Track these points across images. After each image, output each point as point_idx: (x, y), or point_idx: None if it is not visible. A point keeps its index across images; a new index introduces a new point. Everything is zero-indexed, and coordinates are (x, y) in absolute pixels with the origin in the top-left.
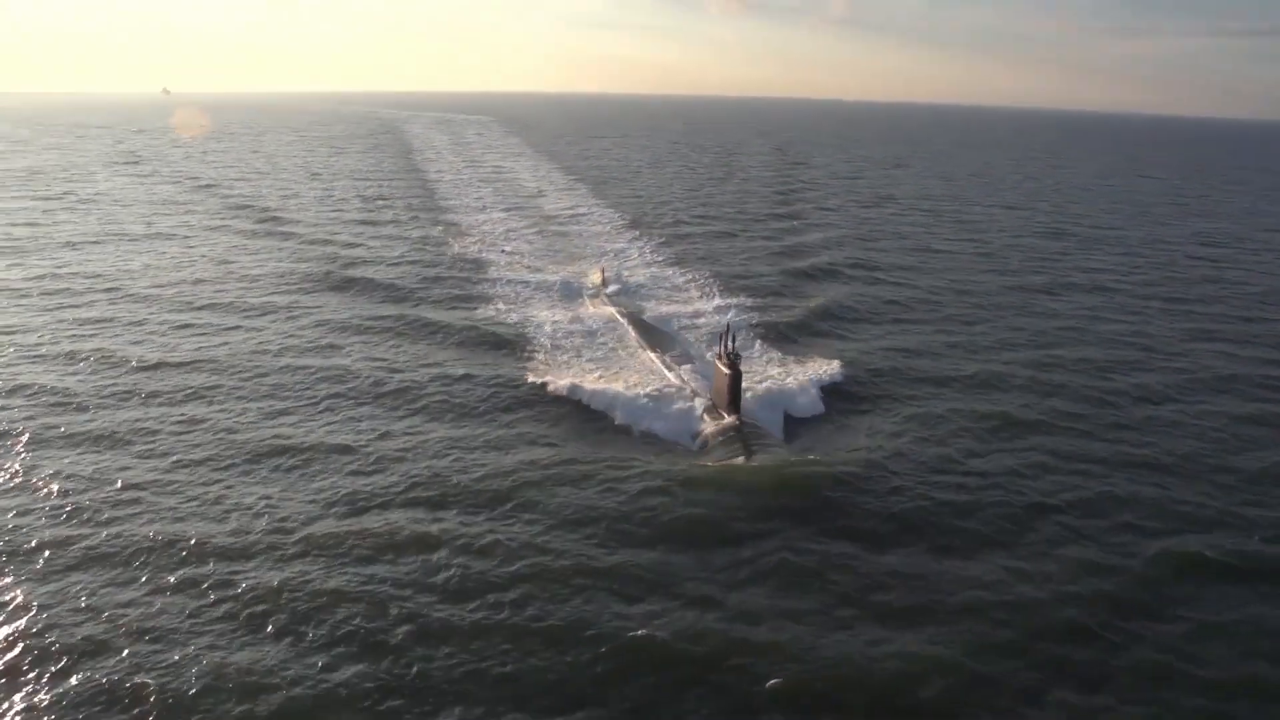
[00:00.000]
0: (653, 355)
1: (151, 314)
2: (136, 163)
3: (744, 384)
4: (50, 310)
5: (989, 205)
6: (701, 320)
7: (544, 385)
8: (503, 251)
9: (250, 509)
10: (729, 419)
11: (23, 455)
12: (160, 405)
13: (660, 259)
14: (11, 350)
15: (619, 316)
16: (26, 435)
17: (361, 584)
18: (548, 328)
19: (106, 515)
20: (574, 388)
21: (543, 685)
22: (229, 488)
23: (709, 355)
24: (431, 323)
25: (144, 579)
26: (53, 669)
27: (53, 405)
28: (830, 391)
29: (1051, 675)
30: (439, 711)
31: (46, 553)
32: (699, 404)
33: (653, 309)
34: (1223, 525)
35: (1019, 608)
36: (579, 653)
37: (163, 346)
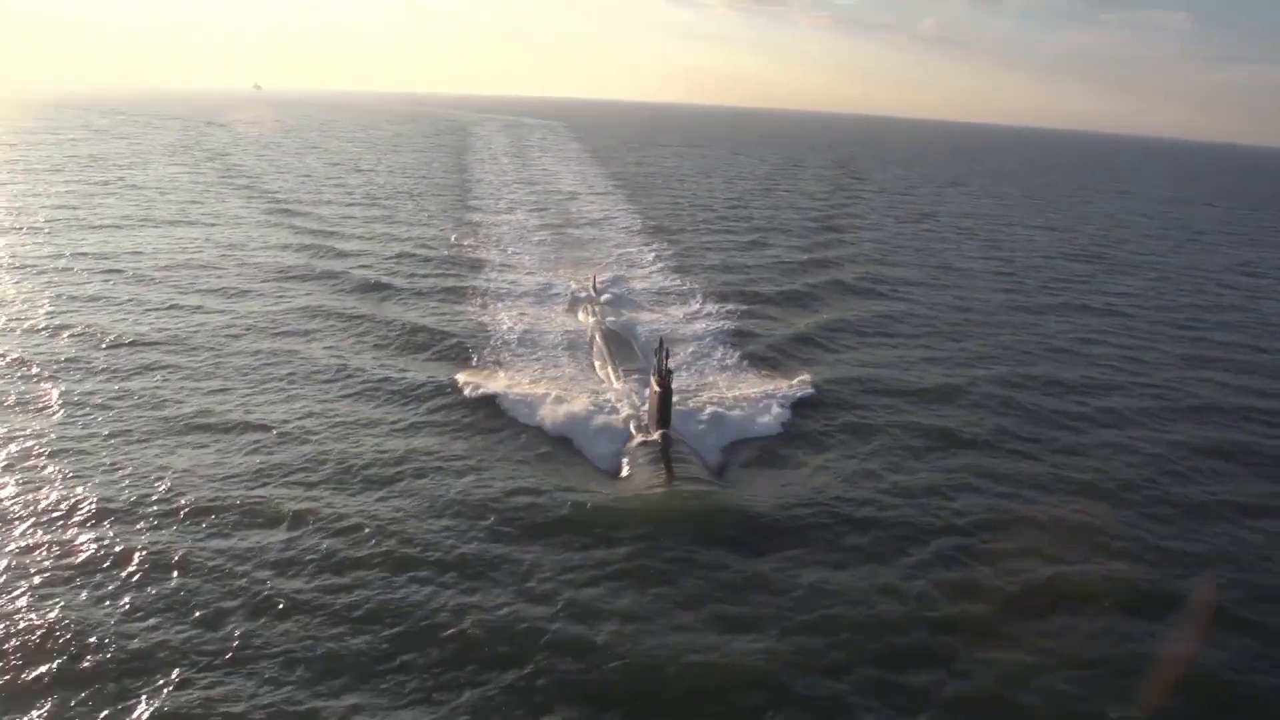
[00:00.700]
0: (610, 368)
1: (139, 293)
2: (189, 153)
3: (702, 402)
4: (46, 285)
5: (1031, 226)
6: (686, 333)
7: (478, 387)
8: (507, 253)
9: (144, 478)
10: (653, 437)
11: None
12: (105, 379)
13: (667, 267)
14: None
15: (594, 325)
16: None
17: (212, 555)
18: (516, 332)
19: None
20: (504, 393)
21: (356, 666)
22: (132, 457)
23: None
24: (399, 320)
25: (15, 536)
26: None
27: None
28: (789, 409)
29: (862, 698)
30: (249, 683)
31: None
32: (631, 422)
33: (637, 319)
34: (1134, 557)
35: (866, 627)
36: (404, 637)
37: (137, 324)
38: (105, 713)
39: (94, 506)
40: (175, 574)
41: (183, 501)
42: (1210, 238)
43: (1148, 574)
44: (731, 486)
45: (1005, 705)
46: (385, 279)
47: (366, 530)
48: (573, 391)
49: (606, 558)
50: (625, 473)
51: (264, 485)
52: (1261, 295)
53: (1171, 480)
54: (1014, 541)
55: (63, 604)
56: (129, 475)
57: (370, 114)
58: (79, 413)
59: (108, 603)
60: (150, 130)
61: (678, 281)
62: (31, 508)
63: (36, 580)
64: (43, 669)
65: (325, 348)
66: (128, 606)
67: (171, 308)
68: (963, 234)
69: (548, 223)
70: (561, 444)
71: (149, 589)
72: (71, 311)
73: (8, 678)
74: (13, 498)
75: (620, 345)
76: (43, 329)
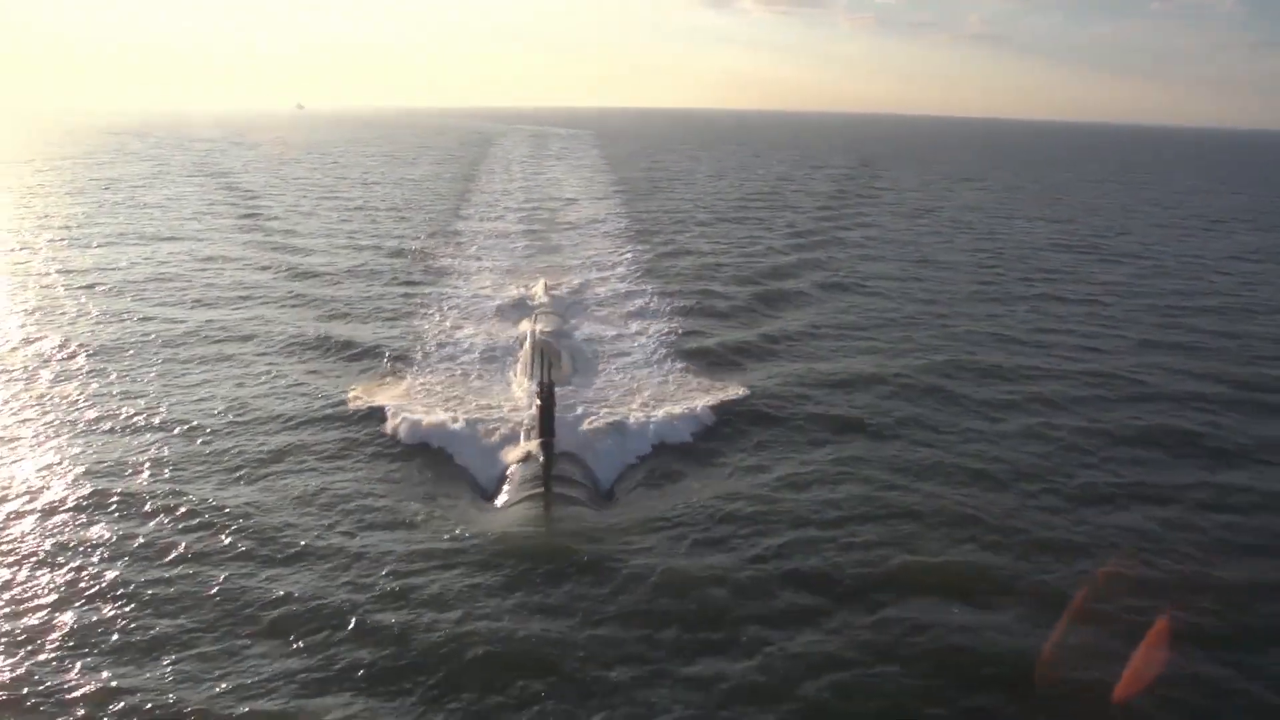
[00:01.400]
0: (527, 379)
1: (93, 302)
2: (202, 173)
3: (620, 412)
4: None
5: (1034, 219)
6: (629, 340)
7: (370, 399)
8: (470, 262)
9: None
10: (533, 451)
11: None
12: (25, 381)
13: (633, 273)
14: None
15: (529, 334)
16: None
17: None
18: (442, 342)
19: None
20: (392, 406)
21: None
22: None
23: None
24: (324, 331)
25: None
26: None
27: None
28: (712, 414)
29: (649, 690)
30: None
31: None
32: (523, 433)
33: (579, 327)
34: (999, 547)
35: (684, 618)
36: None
37: (85, 331)
38: None
39: None
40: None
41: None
42: (1226, 225)
43: (1006, 564)
44: (609, 503)
45: (791, 696)
46: (330, 291)
47: (209, 523)
48: (471, 404)
49: (446, 580)
50: (497, 488)
51: (136, 478)
52: (1257, 281)
53: (1077, 469)
54: (882, 532)
55: None
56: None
57: (403, 129)
58: None
59: None
60: (178, 151)
61: (638, 287)
62: None
63: None
64: None
65: (241, 356)
66: None
67: (119, 315)
68: (958, 228)
69: (530, 229)
70: (437, 457)
71: None
72: (28, 318)
73: None
74: None
75: (548, 355)
76: None
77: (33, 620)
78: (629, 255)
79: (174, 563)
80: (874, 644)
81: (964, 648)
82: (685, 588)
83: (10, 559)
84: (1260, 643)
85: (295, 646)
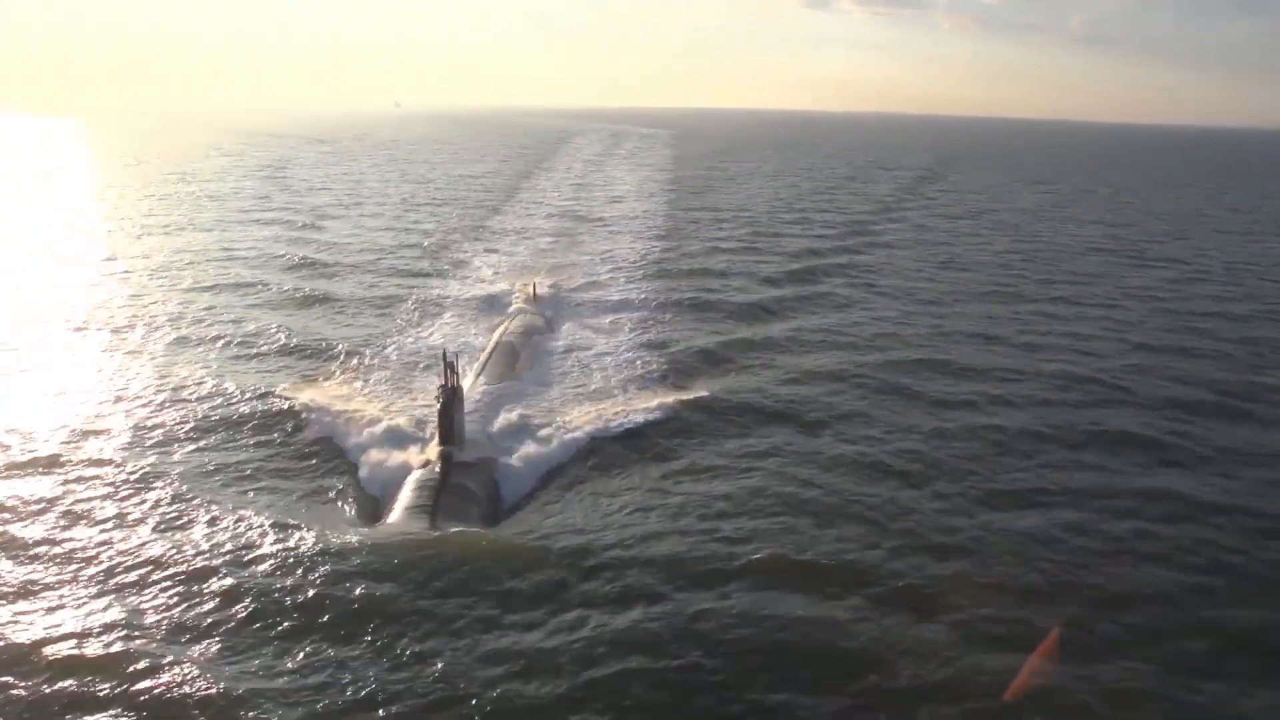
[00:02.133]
0: (473, 382)
1: (111, 284)
2: (268, 169)
3: (559, 421)
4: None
5: (1088, 222)
6: (604, 345)
7: (292, 399)
8: (474, 261)
9: None
10: (431, 459)
11: None
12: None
13: (645, 272)
14: None
15: (497, 336)
16: None
17: None
18: (398, 341)
19: None
20: (313, 405)
21: None
22: None
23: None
24: (294, 325)
25: None
26: None
27: None
28: (655, 421)
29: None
30: None
31: None
32: (424, 443)
33: (563, 329)
34: (865, 542)
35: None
36: None
37: (84, 305)
38: None
39: None
40: None
41: None
42: None
43: (874, 561)
44: (501, 519)
45: (564, 676)
46: (322, 287)
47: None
48: (403, 405)
49: (299, 599)
50: (389, 498)
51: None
52: None
53: (1001, 471)
54: (760, 525)
55: None
56: None
57: (488, 127)
58: None
59: None
60: (258, 149)
61: (641, 287)
62: None
63: None
64: None
65: (199, 346)
66: None
67: (133, 297)
68: (1000, 230)
69: (561, 227)
70: (339, 461)
71: None
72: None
73: None
74: None
75: (506, 359)
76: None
77: None
78: (649, 254)
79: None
80: (695, 632)
81: (788, 641)
82: (498, 631)
83: None
84: (1145, 650)
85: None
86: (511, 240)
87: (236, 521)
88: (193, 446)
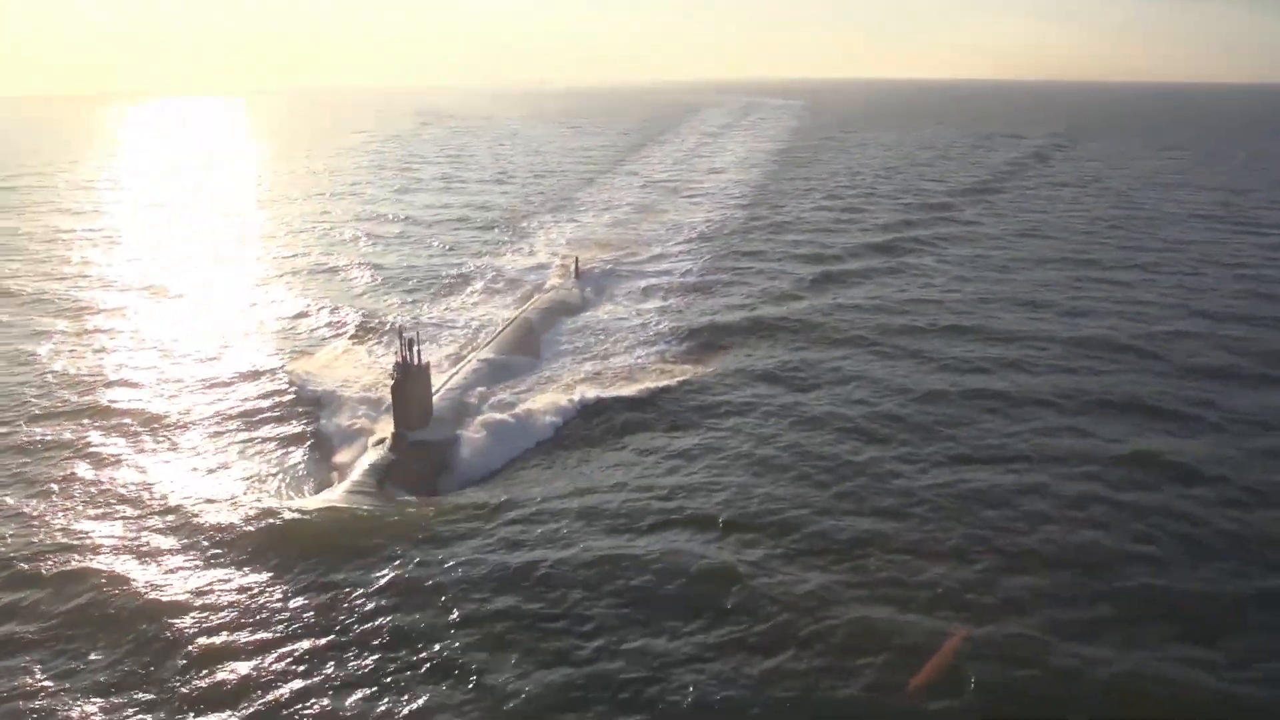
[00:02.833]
0: (477, 357)
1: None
2: (395, 142)
3: (545, 399)
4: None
5: (1204, 188)
6: (626, 324)
7: (299, 369)
8: (533, 236)
9: None
10: (383, 438)
11: None
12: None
13: (700, 247)
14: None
15: (523, 313)
16: None
17: None
18: (419, 316)
19: None
20: (305, 377)
21: None
22: None
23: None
24: (335, 301)
25: None
26: None
27: None
28: (638, 407)
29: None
30: None
31: None
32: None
33: (588, 307)
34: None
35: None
36: None
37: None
38: None
39: None
40: None
41: None
42: None
43: (798, 518)
44: (446, 502)
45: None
46: (375, 256)
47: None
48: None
49: (223, 575)
50: (343, 472)
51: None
52: None
53: (947, 434)
54: (706, 477)
55: None
56: None
57: (627, 102)
58: None
59: None
60: (397, 125)
61: (687, 264)
62: None
63: None
64: None
65: (235, 311)
66: None
67: (179, 262)
68: (1100, 196)
69: (642, 201)
70: (309, 437)
71: None
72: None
73: None
74: None
75: (520, 335)
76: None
77: None
78: (720, 225)
79: None
80: (578, 578)
81: (677, 588)
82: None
83: None
84: (1046, 651)
85: None
86: (592, 211)
87: (206, 469)
88: (196, 400)
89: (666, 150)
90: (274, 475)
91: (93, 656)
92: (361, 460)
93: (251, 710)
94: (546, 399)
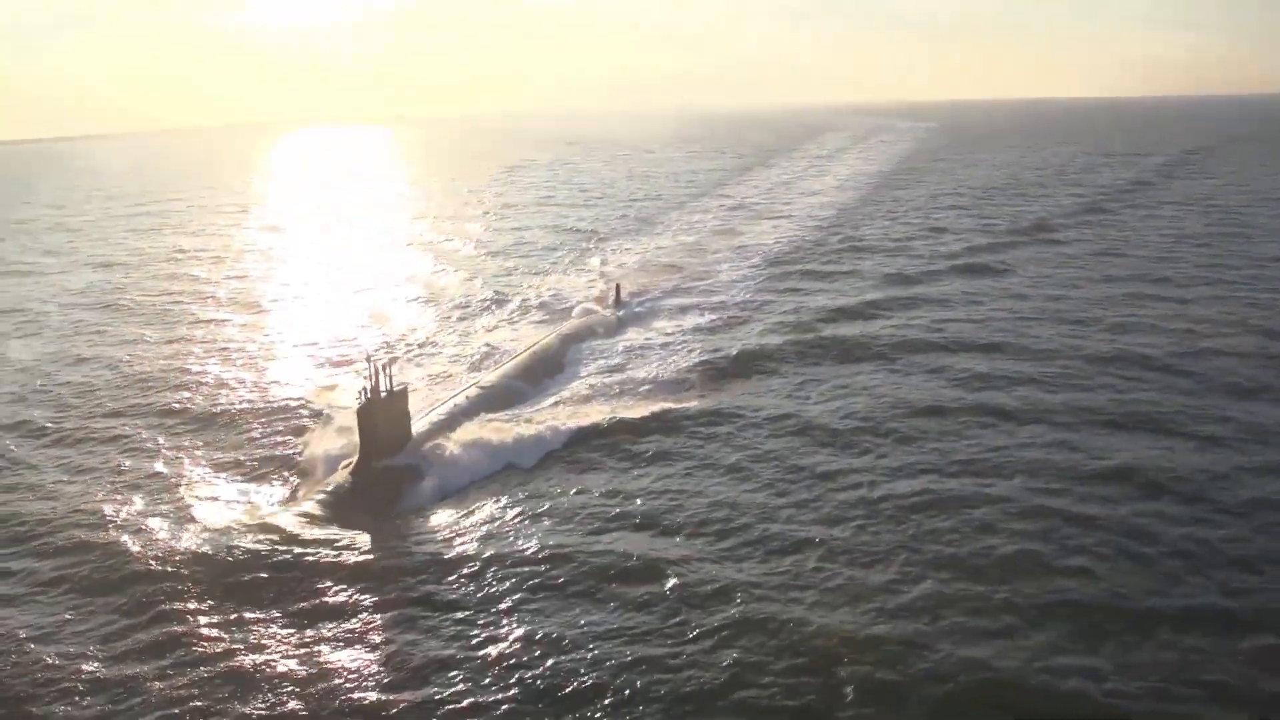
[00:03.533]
0: (481, 381)
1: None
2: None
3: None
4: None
5: None
6: (652, 349)
7: (313, 400)
8: (599, 256)
9: None
10: (348, 463)
11: None
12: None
13: (757, 273)
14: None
15: (548, 339)
16: None
17: None
18: (439, 341)
19: None
20: (308, 401)
21: None
22: None
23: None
24: (366, 319)
25: None
26: None
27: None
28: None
29: None
30: None
31: None
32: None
33: (618, 333)
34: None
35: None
36: None
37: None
38: None
39: None
40: None
41: None
42: None
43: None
44: (390, 535)
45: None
46: (436, 279)
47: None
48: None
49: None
50: (306, 493)
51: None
52: None
53: (953, 444)
54: (658, 484)
55: None
56: None
57: (754, 125)
58: None
59: None
60: (512, 146)
61: (738, 291)
62: None
63: None
64: None
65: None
66: None
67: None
68: (1205, 215)
69: (721, 224)
70: (294, 453)
71: None
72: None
73: None
74: None
75: (537, 361)
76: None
77: None
78: (788, 249)
79: None
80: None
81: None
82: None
83: None
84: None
85: None
86: (666, 235)
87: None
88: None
89: (772, 173)
90: (255, 491)
91: (68, 615)
92: (319, 485)
93: None
94: (531, 423)
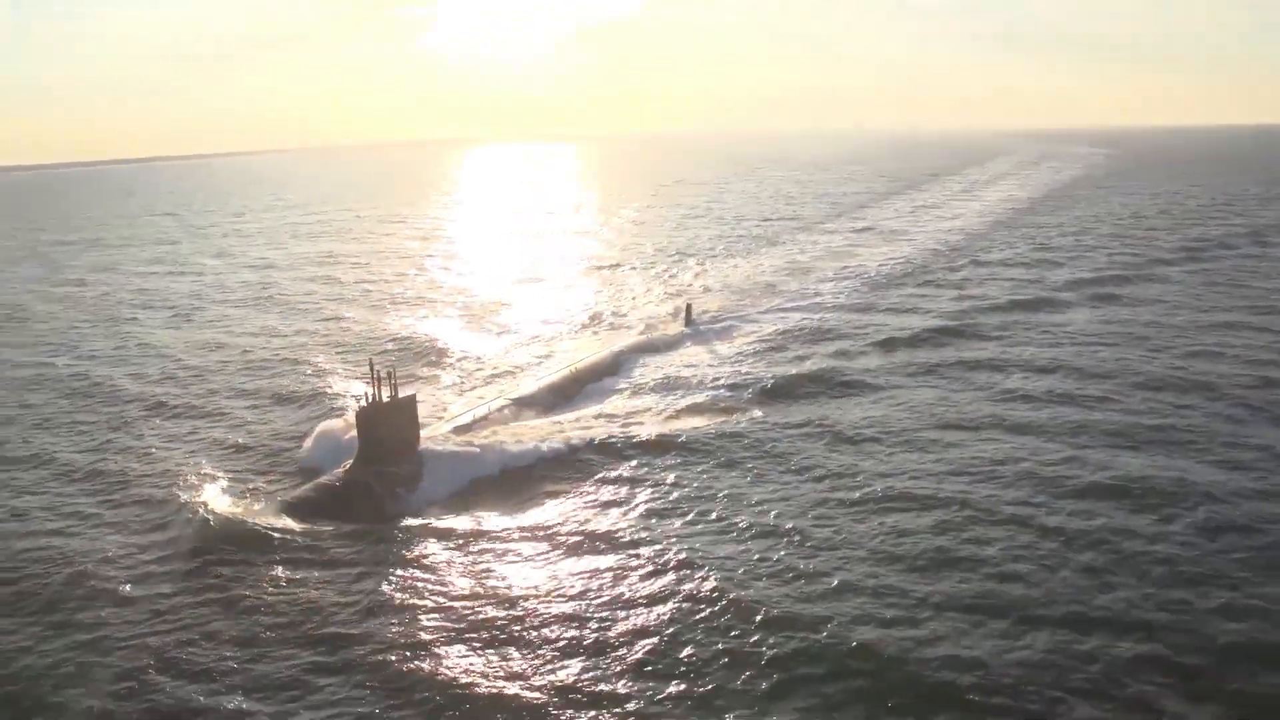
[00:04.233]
0: (516, 392)
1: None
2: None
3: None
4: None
5: None
6: (716, 374)
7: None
8: (693, 277)
9: None
10: (338, 472)
11: None
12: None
13: (845, 297)
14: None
15: (597, 356)
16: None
17: None
18: (498, 359)
19: None
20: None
21: None
22: None
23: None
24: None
25: None
26: None
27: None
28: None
29: None
30: None
31: None
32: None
33: (690, 354)
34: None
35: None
36: None
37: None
38: None
39: None
40: None
41: None
42: None
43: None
44: (367, 542)
45: None
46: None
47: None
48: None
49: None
50: (302, 489)
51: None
52: None
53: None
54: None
55: None
56: None
57: (926, 148)
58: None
59: None
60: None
61: (817, 315)
62: None
63: None
64: None
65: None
66: None
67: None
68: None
69: (835, 246)
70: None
71: None
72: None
73: None
74: None
75: (587, 374)
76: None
77: None
78: (889, 273)
79: None
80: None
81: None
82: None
83: None
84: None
85: None
86: (778, 255)
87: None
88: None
89: (923, 196)
90: (263, 484)
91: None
92: (312, 482)
93: None
94: (545, 434)
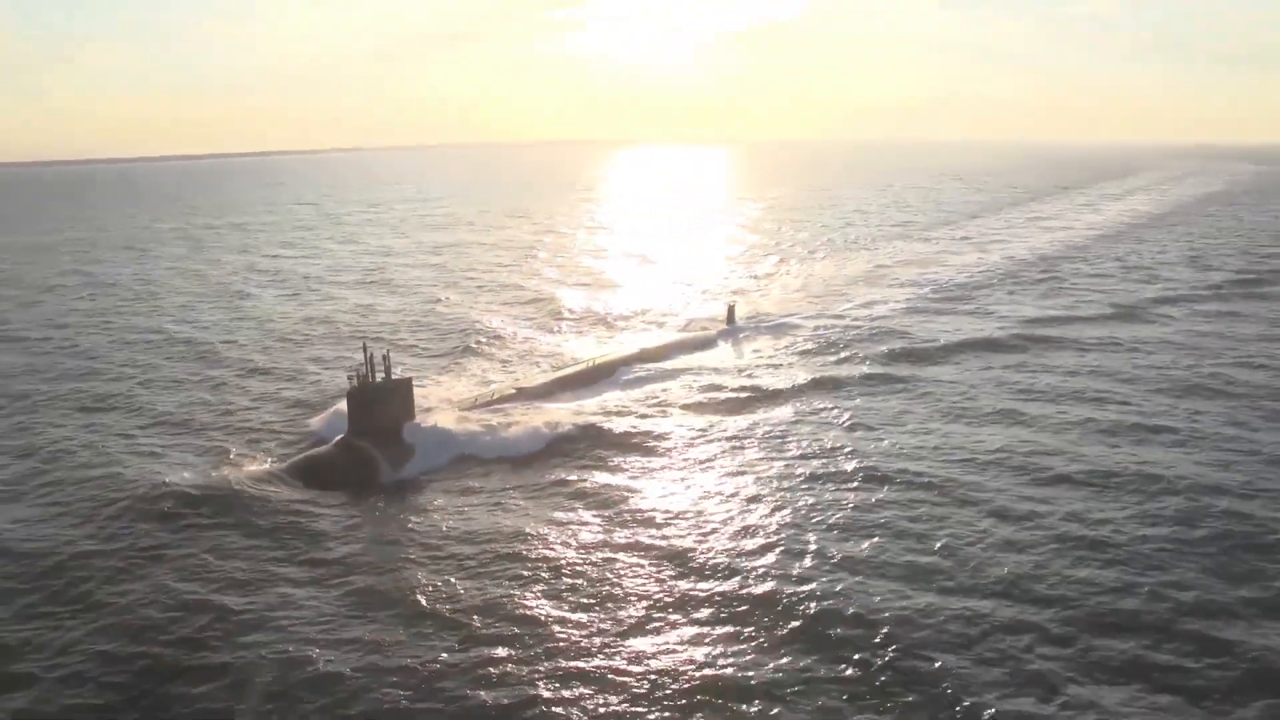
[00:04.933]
0: (561, 377)
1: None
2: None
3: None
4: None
5: None
6: (735, 368)
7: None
8: (754, 280)
9: None
10: (332, 441)
11: None
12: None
13: (908, 304)
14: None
15: (643, 348)
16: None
17: None
18: (531, 347)
19: None
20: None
21: None
22: None
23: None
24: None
25: None
26: None
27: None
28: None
29: None
30: None
31: None
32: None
33: (722, 353)
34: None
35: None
36: None
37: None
38: None
39: None
40: None
41: None
42: None
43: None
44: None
45: None
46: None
47: None
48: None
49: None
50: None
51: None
52: None
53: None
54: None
55: None
56: None
57: (1076, 162)
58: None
59: None
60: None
61: (868, 321)
62: None
63: None
64: None
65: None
66: None
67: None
68: None
69: (920, 255)
70: (309, 434)
71: None
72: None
73: None
74: None
75: (603, 369)
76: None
77: None
78: (965, 283)
79: None
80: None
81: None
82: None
83: None
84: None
85: None
86: (863, 260)
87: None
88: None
89: (1042, 207)
90: (266, 449)
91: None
92: (299, 455)
93: None
94: (537, 420)
